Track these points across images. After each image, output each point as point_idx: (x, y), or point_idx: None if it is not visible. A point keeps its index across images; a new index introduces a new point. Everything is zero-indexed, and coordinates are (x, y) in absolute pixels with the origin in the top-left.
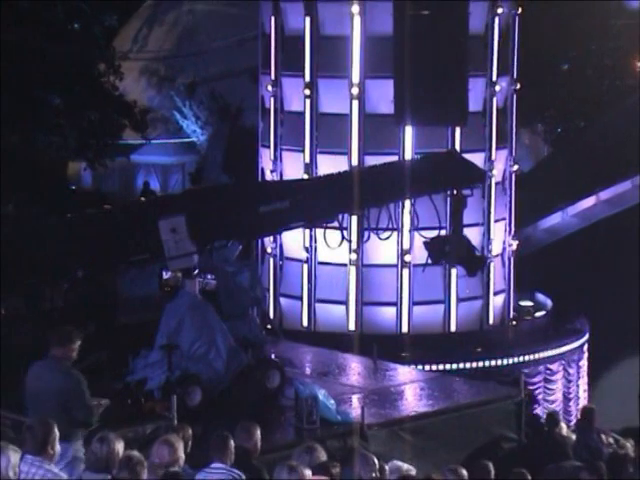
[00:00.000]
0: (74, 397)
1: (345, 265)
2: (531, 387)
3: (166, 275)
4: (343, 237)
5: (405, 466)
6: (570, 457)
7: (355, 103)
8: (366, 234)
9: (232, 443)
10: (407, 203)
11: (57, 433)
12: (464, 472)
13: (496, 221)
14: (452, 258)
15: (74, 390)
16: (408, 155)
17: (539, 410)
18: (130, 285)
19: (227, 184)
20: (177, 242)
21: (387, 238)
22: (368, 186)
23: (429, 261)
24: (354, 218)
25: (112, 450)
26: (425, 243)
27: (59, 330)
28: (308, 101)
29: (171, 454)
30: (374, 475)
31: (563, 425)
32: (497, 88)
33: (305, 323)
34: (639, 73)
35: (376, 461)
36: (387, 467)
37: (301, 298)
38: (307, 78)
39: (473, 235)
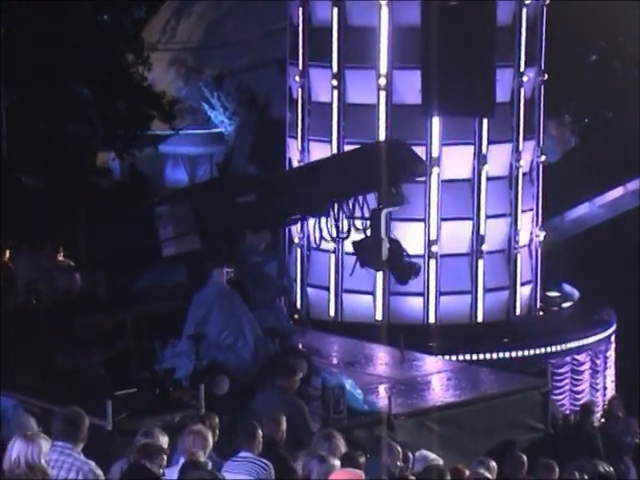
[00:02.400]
0: (299, 423)
1: None
2: (558, 378)
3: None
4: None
5: (432, 456)
6: (599, 449)
7: (382, 94)
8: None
9: (260, 432)
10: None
11: (87, 423)
12: (493, 464)
13: (523, 212)
14: (376, 263)
15: (298, 417)
16: (435, 146)
17: (566, 401)
18: (159, 274)
19: (216, 178)
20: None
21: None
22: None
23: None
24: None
25: (158, 443)
26: (354, 244)
27: (284, 364)
28: (335, 92)
29: (199, 443)
30: (399, 464)
31: (595, 416)
32: (524, 79)
33: (332, 313)
34: None
35: (400, 450)
36: (414, 456)
37: (328, 288)
38: (334, 69)
39: (500, 226)
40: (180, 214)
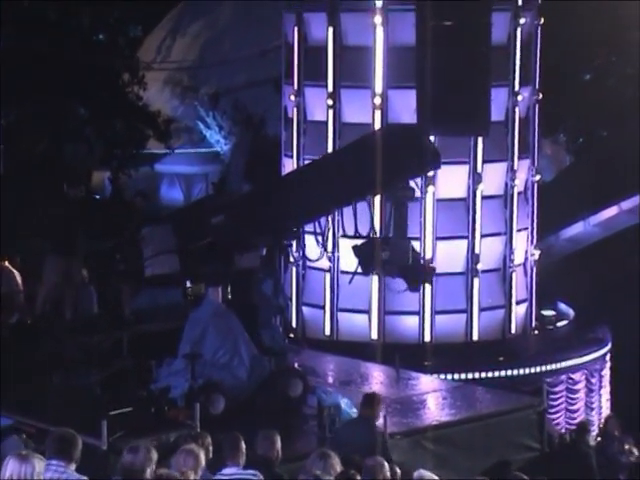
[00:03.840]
0: (379, 449)
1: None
2: (553, 396)
3: (190, 285)
4: (320, 245)
5: (429, 475)
6: (593, 468)
7: (378, 113)
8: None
9: (243, 444)
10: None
11: (80, 443)
12: None
13: (518, 230)
14: (391, 267)
15: (379, 445)
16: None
17: (561, 420)
18: (155, 294)
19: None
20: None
21: (318, 259)
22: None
23: (359, 270)
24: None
25: (144, 459)
26: (354, 248)
27: (367, 395)
28: (331, 111)
29: (189, 462)
30: None
31: (591, 435)
32: (519, 98)
33: (328, 332)
34: None
35: (394, 470)
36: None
37: (323, 307)
38: (330, 88)
39: (495, 245)
40: (160, 235)
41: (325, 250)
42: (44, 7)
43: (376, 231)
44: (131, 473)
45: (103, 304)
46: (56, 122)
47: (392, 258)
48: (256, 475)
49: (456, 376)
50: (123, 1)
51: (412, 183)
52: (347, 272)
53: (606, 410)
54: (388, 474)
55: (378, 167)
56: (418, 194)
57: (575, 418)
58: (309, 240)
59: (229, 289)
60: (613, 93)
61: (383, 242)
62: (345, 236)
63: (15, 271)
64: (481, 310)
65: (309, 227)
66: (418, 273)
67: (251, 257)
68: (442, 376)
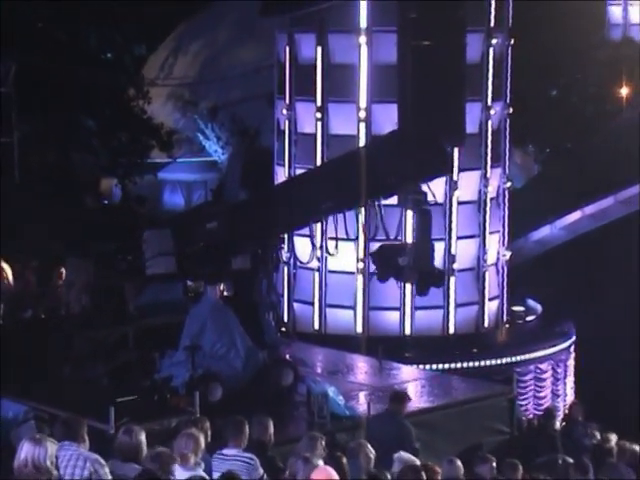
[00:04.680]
0: (406, 442)
1: (353, 273)
2: (522, 385)
3: (190, 283)
4: (313, 246)
5: (409, 457)
6: (559, 450)
7: (362, 125)
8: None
9: (247, 428)
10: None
11: (86, 425)
12: (459, 463)
13: (491, 233)
14: (410, 272)
15: (406, 437)
16: None
17: (530, 406)
18: (157, 291)
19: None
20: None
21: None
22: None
23: (377, 276)
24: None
25: (137, 441)
26: (373, 254)
27: (396, 393)
28: (319, 123)
29: (190, 445)
30: (371, 466)
31: (557, 420)
32: (492, 112)
33: (316, 326)
34: (620, 100)
35: (372, 453)
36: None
37: (312, 303)
38: (318, 102)
39: (469, 246)
40: (159, 238)
41: (328, 252)
42: (56, 29)
43: (393, 236)
44: (128, 451)
45: (109, 301)
46: (66, 134)
47: (414, 263)
48: (252, 459)
49: (434, 366)
50: (128, 23)
51: (424, 187)
52: (334, 271)
53: (570, 397)
54: (371, 455)
55: (362, 179)
56: (431, 198)
57: (542, 404)
58: (299, 242)
59: (231, 287)
60: (576, 109)
61: (402, 247)
62: (340, 239)
63: (7, 267)
64: (457, 306)
65: (305, 231)
66: (429, 277)
67: (241, 260)
68: (421, 366)
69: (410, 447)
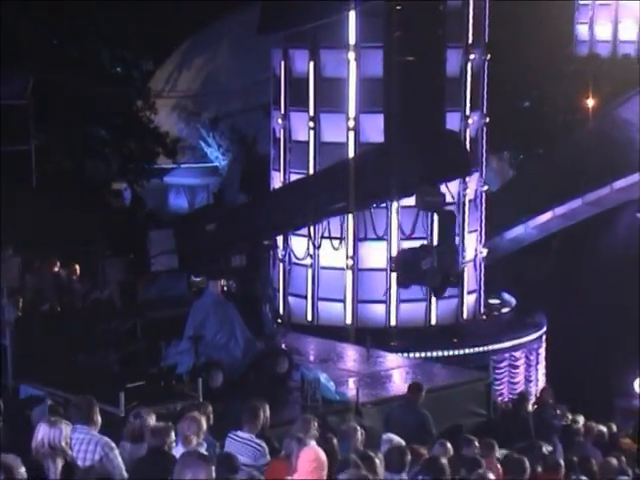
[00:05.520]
0: (424, 428)
1: (343, 269)
2: (498, 371)
3: (194, 278)
4: (314, 246)
5: (396, 438)
6: (531, 430)
7: (351, 134)
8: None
9: (262, 414)
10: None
11: (97, 407)
12: (449, 446)
13: (469, 232)
14: (433, 276)
15: (424, 425)
16: None
17: (505, 390)
18: (164, 286)
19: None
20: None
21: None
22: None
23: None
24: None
25: (146, 423)
26: (394, 259)
27: (414, 384)
28: (312, 132)
29: (192, 428)
30: (359, 445)
31: (529, 403)
32: (470, 121)
33: (309, 318)
34: (587, 110)
35: (362, 435)
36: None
37: (306, 297)
38: (311, 113)
39: None
40: (163, 238)
41: (334, 247)
42: (71, 46)
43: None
44: (138, 433)
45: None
46: (80, 142)
47: (438, 266)
48: (262, 446)
49: (417, 354)
50: (137, 40)
51: (443, 188)
52: (326, 267)
53: (542, 382)
54: (360, 437)
55: (351, 186)
56: (449, 199)
57: (516, 389)
58: (295, 241)
59: (235, 283)
60: (547, 118)
61: (424, 251)
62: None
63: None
64: (438, 299)
65: (303, 231)
66: (449, 278)
67: (239, 258)
68: (405, 354)
69: (429, 433)
